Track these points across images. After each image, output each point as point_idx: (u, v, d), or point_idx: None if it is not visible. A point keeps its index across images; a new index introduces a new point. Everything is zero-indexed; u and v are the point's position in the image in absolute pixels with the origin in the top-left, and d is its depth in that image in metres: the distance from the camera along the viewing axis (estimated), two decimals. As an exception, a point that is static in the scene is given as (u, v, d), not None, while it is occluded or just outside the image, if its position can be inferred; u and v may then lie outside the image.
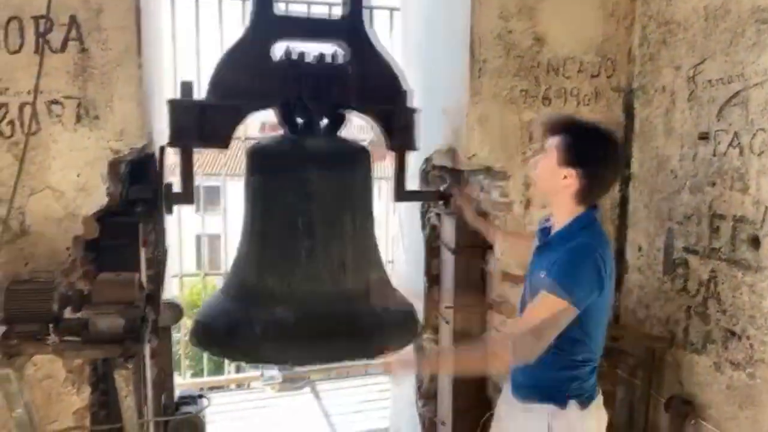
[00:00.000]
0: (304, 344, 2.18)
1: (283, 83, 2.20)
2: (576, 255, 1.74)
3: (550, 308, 1.70)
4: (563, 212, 1.84)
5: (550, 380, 1.84)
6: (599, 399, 1.94)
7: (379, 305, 2.29)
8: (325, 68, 2.22)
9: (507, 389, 2.05)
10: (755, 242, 2.10)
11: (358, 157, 2.32)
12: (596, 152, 1.76)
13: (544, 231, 1.94)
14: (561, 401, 1.84)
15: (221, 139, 2.28)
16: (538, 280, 1.80)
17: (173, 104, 2.21)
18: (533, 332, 1.70)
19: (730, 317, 2.20)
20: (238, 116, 2.29)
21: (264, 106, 2.29)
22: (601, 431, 1.94)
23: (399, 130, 2.41)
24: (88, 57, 2.07)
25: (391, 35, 3.76)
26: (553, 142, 1.79)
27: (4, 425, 2.12)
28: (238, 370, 7.93)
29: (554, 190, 1.83)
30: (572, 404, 1.84)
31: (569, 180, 1.76)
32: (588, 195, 1.80)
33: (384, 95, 2.37)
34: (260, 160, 2.31)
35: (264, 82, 2.21)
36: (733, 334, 2.19)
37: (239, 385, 5.66)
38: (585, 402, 1.86)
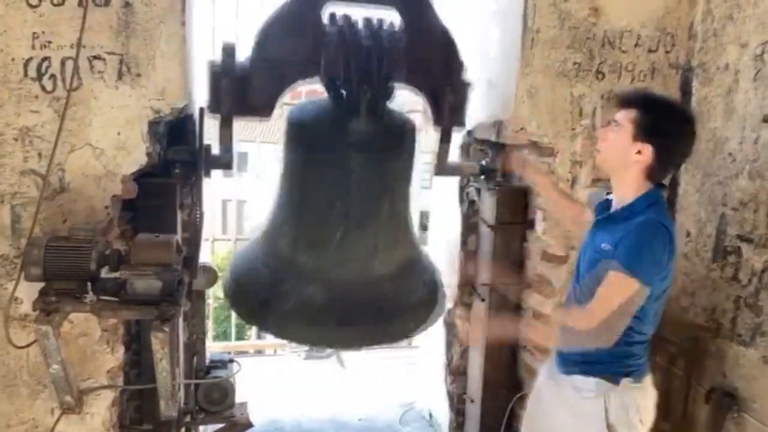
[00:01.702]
0: (330, 328, 2.17)
1: (331, 52, 2.03)
2: (646, 233, 1.68)
3: (624, 290, 1.66)
4: (629, 188, 1.77)
5: (606, 357, 1.80)
6: (650, 376, 1.91)
7: (409, 289, 2.26)
8: (376, 37, 2.05)
9: (551, 366, 2.01)
10: (818, 233, 1.99)
11: (403, 139, 2.18)
12: (673, 128, 1.71)
13: (603, 204, 1.88)
14: (616, 379, 1.81)
15: (264, 109, 2.20)
16: (602, 254, 1.74)
17: (213, 69, 2.12)
18: (610, 318, 1.68)
19: (784, 310, 2.11)
20: (283, 85, 2.19)
21: (310, 75, 2.17)
22: (652, 408, 1.91)
23: (450, 106, 2.29)
24: (132, 12, 2.03)
25: None
26: (628, 115, 1.72)
27: (40, 380, 2.14)
28: (259, 336, 8.03)
29: (624, 165, 1.76)
30: (626, 381, 1.81)
31: (643, 155, 1.71)
32: (658, 172, 1.75)
33: (437, 68, 2.23)
34: (300, 133, 2.18)
35: (310, 50, 2.08)
36: (786, 327, 2.10)
37: (259, 351, 5.72)
38: (638, 378, 1.84)
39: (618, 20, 2.48)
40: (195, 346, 2.62)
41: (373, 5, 2.17)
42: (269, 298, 2.18)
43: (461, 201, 3.05)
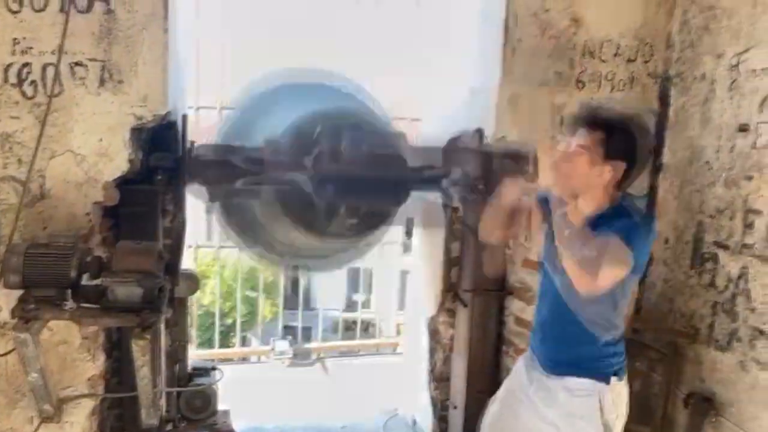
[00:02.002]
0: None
1: None
2: (638, 226, 1.74)
3: (621, 252, 1.65)
4: (595, 201, 1.81)
5: (596, 357, 1.87)
6: (626, 373, 1.99)
7: None
8: None
9: (530, 369, 2.04)
10: (791, 240, 2.04)
11: None
12: (640, 144, 1.78)
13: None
14: (607, 378, 1.88)
15: None
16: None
17: None
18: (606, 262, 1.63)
19: (760, 315, 2.15)
20: None
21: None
22: (627, 403, 1.99)
23: None
24: (114, 19, 2.03)
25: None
26: (594, 137, 1.75)
27: (18, 389, 2.12)
28: (244, 342, 7.97)
29: (587, 187, 1.79)
30: (614, 380, 1.89)
31: (614, 173, 1.76)
32: (628, 182, 1.82)
33: None
34: None
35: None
36: (761, 333, 2.14)
37: (245, 359, 5.68)
38: (621, 375, 1.93)
39: (598, 30, 2.52)
40: (177, 354, 2.61)
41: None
42: None
43: (445, 208, 3.07)
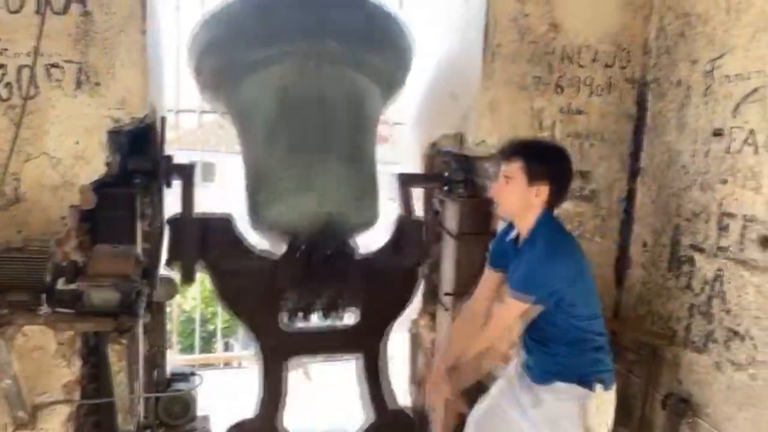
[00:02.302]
0: None
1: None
2: (541, 258, 1.87)
3: (515, 311, 1.91)
4: (531, 221, 1.95)
5: (581, 365, 1.95)
6: (615, 384, 2.05)
7: None
8: None
9: (517, 377, 2.09)
10: (764, 242, 2.06)
11: None
12: (558, 164, 1.92)
13: (511, 244, 2.05)
14: (591, 385, 1.95)
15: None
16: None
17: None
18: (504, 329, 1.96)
19: (734, 317, 2.18)
20: None
21: None
22: (613, 414, 2.06)
23: None
24: (91, 21, 2.01)
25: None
26: (516, 165, 1.90)
27: (-8, 395, 2.08)
28: (226, 348, 7.91)
29: (526, 208, 1.93)
30: (599, 388, 1.95)
31: (541, 194, 1.89)
32: (555, 202, 1.95)
33: None
34: None
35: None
36: (736, 334, 2.17)
37: (227, 364, 5.63)
38: (608, 385, 2.00)
39: (576, 36, 2.55)
40: (155, 359, 2.59)
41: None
42: None
43: (425, 211, 3.08)
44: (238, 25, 2.48)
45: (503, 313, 1.94)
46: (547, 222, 1.93)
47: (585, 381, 1.95)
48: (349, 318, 2.80)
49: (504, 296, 1.96)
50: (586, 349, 1.97)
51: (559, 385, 1.97)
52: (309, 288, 2.46)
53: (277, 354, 2.63)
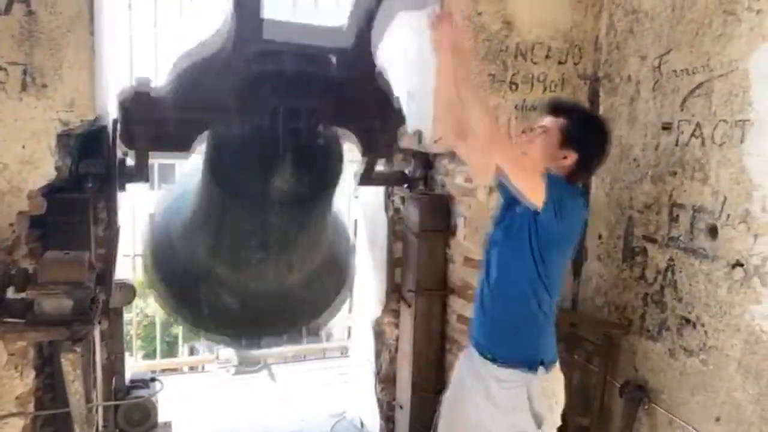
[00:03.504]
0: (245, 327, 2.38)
1: (258, 98, 1.98)
2: (567, 198, 1.80)
3: (537, 177, 1.73)
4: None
5: (526, 345, 1.90)
6: (558, 361, 2.00)
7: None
8: (306, 82, 1.99)
9: (469, 361, 2.05)
10: (713, 232, 2.13)
11: (331, 182, 2.19)
12: (597, 140, 1.87)
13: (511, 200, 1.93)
14: (533, 367, 1.90)
15: (182, 146, 2.19)
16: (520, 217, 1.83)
17: (125, 109, 2.08)
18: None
19: (686, 305, 2.24)
20: (203, 128, 2.14)
21: (234, 121, 2.12)
22: (562, 391, 2.00)
23: (381, 144, 2.35)
24: (36, 21, 1.94)
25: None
26: (557, 122, 1.84)
27: (-61, 411, 2.00)
28: (191, 352, 7.79)
29: (548, 167, 1.84)
30: (541, 369, 1.90)
31: (568, 160, 1.84)
32: (578, 176, 1.90)
33: (372, 110, 2.26)
34: (220, 167, 2.13)
35: (236, 97, 2.02)
36: (687, 321, 2.24)
37: (193, 368, 5.55)
38: (550, 365, 1.94)
39: (529, 33, 2.58)
40: (114, 366, 2.53)
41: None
42: (187, 300, 2.21)
43: (387, 209, 3.09)
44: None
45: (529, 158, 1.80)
46: (564, 190, 1.83)
47: (527, 364, 1.90)
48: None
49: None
50: (532, 329, 1.92)
51: (503, 372, 1.92)
52: None
53: None
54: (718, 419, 2.11)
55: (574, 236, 1.94)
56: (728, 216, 2.06)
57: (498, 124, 1.80)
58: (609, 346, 2.57)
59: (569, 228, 1.89)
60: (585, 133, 1.85)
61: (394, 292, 3.07)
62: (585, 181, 1.97)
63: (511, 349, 1.92)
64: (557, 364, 1.99)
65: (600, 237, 2.73)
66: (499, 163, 1.74)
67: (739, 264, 2.03)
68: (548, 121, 1.87)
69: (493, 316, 1.98)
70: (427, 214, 2.77)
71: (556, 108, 1.89)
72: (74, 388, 1.75)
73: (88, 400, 1.97)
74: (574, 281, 2.86)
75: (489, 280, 1.98)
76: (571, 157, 1.84)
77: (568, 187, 1.88)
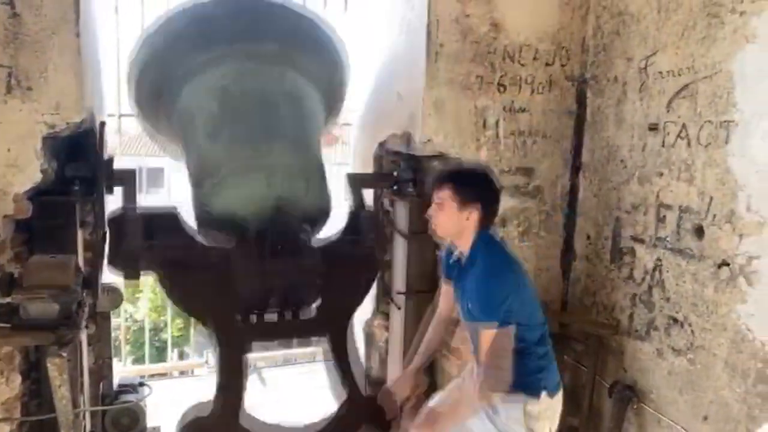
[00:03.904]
0: None
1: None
2: (484, 281, 1.93)
3: (493, 341, 1.92)
4: (468, 241, 2.03)
5: (526, 373, 1.97)
6: (562, 389, 2.10)
7: None
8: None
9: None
10: (699, 232, 2.15)
11: None
12: (485, 185, 2.03)
13: (455, 263, 2.11)
14: (536, 393, 2.00)
15: None
16: (469, 314, 2.00)
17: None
18: (494, 367, 1.92)
19: (674, 305, 2.26)
20: None
21: None
22: (558, 414, 2.11)
23: None
24: (21, 23, 1.93)
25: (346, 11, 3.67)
26: (446, 192, 1.99)
27: None
28: (181, 357, 7.75)
29: (460, 230, 2.02)
30: (544, 394, 2.01)
31: (472, 216, 1.99)
32: (487, 221, 2.03)
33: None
34: None
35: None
36: (675, 321, 2.25)
37: (183, 373, 5.52)
38: (553, 392, 2.06)
39: (517, 35, 2.59)
40: (101, 371, 2.51)
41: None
42: None
43: (375, 211, 3.08)
44: (176, 37, 2.50)
45: (482, 351, 1.96)
46: (484, 243, 2.02)
47: (530, 390, 2.00)
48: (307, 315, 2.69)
49: (480, 336, 1.97)
50: (530, 359, 2.01)
51: (504, 396, 1.98)
52: (263, 280, 2.36)
53: (235, 345, 2.50)
54: (705, 418, 2.12)
55: (520, 279, 2.02)
56: (714, 216, 2.08)
57: (465, 407, 2.06)
58: (598, 346, 2.58)
59: (513, 284, 1.97)
60: (473, 188, 2.00)
61: (384, 294, 3.07)
62: (494, 219, 2.11)
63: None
64: (560, 393, 2.08)
65: (588, 238, 2.74)
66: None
67: (725, 264, 2.05)
68: (440, 194, 2.02)
69: None
70: (416, 216, 2.76)
71: (439, 181, 2.04)
72: (61, 393, 1.74)
73: (75, 405, 1.96)
74: (563, 281, 2.87)
75: (466, 322, 2.09)
76: (474, 213, 1.99)
77: (493, 248, 2.01)
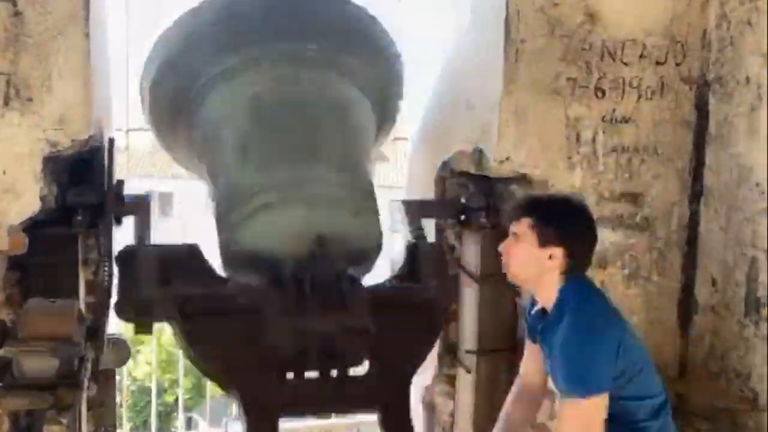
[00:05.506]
0: None
1: None
2: (571, 340, 1.90)
3: (581, 416, 1.89)
4: (551, 291, 2.00)
5: None
6: None
7: None
8: None
9: None
10: None
11: None
12: (575, 224, 1.99)
13: (535, 318, 2.10)
14: None
15: None
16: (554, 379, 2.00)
17: None
18: None
19: (831, 373, 2.18)
20: None
21: None
22: None
23: None
24: (22, 23, 2.04)
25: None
26: (526, 223, 1.97)
27: None
28: (189, 424, 7.83)
29: (539, 273, 1.99)
30: None
31: (555, 258, 1.95)
32: (576, 269, 1.99)
33: None
34: None
35: None
36: (833, 393, 2.16)
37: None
38: None
39: (618, 28, 2.59)
40: (103, 441, 2.56)
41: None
42: None
43: (436, 247, 3.08)
44: (199, 36, 2.56)
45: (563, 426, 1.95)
46: (573, 290, 1.98)
47: None
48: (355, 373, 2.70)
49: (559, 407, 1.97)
50: (647, 416, 1.97)
51: None
52: (301, 329, 2.37)
53: (268, 413, 2.51)
54: None
55: (623, 338, 1.97)
56: None
57: None
58: (730, 425, 2.50)
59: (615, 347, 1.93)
60: (560, 224, 1.97)
61: (449, 353, 3.05)
62: (586, 270, 2.07)
63: None
64: None
65: (714, 283, 2.67)
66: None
67: None
68: (518, 226, 2.00)
69: None
70: (490, 253, 2.74)
71: (518, 211, 2.03)
72: (57, 467, 1.78)
73: (73, 483, 2.00)
74: (680, 339, 2.80)
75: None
76: (558, 254, 1.95)
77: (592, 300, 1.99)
